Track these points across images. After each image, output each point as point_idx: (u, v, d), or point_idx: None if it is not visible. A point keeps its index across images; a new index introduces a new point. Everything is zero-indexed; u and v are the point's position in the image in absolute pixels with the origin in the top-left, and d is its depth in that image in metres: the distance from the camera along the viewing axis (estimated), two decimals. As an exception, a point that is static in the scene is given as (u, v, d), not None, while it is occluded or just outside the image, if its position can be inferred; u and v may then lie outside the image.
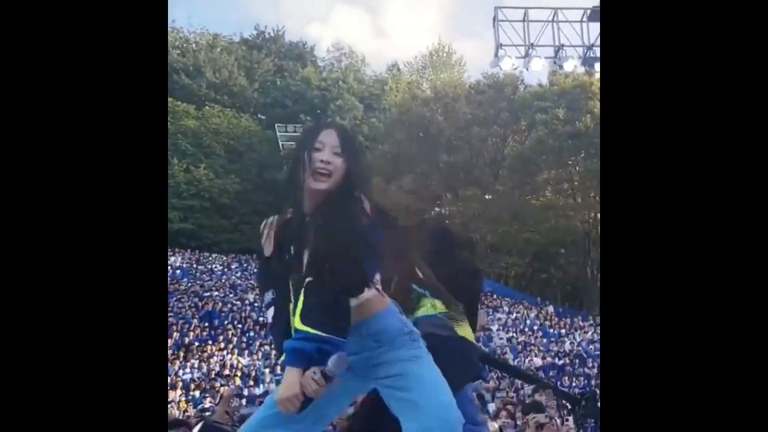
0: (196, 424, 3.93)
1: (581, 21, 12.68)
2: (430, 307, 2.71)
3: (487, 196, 26.79)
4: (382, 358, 1.70)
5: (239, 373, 13.77)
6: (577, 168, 25.60)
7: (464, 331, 2.75)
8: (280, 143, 31.83)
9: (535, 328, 19.94)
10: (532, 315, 21.23)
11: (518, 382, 11.45)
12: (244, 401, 10.68)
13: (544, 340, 18.70)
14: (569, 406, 4.07)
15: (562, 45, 12.61)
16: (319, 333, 1.53)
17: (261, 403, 6.01)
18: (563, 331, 19.94)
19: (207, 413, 7.69)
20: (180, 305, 18.24)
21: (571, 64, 12.60)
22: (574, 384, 14.49)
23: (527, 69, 13.39)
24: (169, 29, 36.70)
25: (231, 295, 20.52)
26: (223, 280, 22.65)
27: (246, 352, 15.48)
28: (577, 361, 16.84)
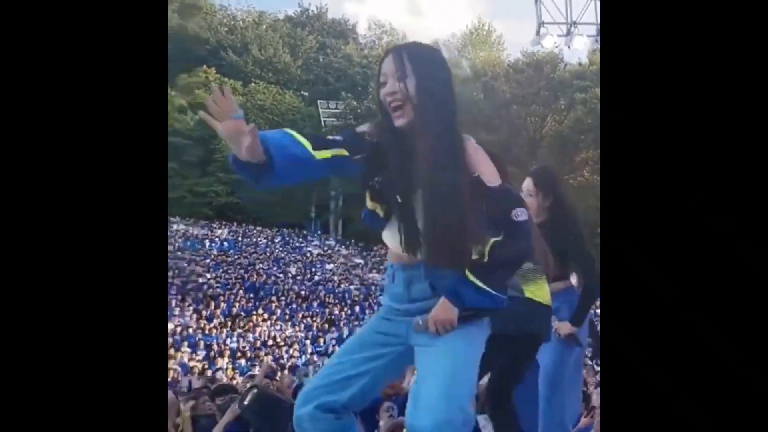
0: (243, 390, 4.10)
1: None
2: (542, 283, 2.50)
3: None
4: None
5: (282, 344, 14.40)
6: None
7: (536, 291, 2.49)
8: (322, 120, 32.24)
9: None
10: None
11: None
12: (286, 371, 11.25)
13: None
14: None
15: (606, 24, 12.45)
16: (486, 288, 1.52)
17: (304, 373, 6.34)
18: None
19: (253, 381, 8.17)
20: (227, 276, 18.98)
21: (614, 43, 12.43)
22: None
23: (569, 47, 13.27)
24: (217, 7, 37.55)
25: (274, 268, 21.21)
26: (267, 253, 23.34)
27: (289, 323, 16.13)
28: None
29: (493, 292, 1.53)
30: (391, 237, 1.63)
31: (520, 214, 1.55)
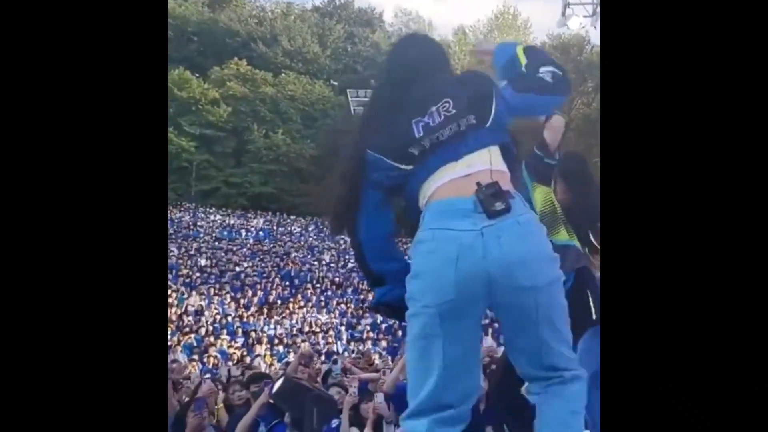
0: (278, 378, 4.20)
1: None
2: (566, 233, 2.36)
3: (554, 157, 26.31)
4: None
5: (318, 330, 14.72)
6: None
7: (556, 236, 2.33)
8: (352, 108, 32.31)
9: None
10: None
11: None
12: (323, 357, 11.53)
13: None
14: None
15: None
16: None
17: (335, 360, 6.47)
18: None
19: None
20: (263, 265, 19.37)
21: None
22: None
23: (595, 27, 13.15)
24: (246, -1, 37.87)
25: (309, 256, 21.55)
26: (302, 242, 23.72)
27: (324, 310, 16.45)
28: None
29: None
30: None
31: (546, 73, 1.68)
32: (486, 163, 1.55)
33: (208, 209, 27.06)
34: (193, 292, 15.68)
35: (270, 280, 17.89)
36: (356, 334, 14.83)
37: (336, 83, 34.58)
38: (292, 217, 27.62)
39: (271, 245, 22.41)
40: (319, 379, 5.34)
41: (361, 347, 13.16)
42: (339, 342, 14.16)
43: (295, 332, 14.49)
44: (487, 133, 1.59)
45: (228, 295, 16.15)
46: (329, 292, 17.82)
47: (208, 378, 6.60)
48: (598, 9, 12.36)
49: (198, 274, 17.26)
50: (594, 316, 2.26)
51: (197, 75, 30.93)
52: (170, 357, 8.42)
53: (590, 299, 2.27)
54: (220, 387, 4.83)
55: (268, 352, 12.55)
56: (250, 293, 16.50)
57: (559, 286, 1.53)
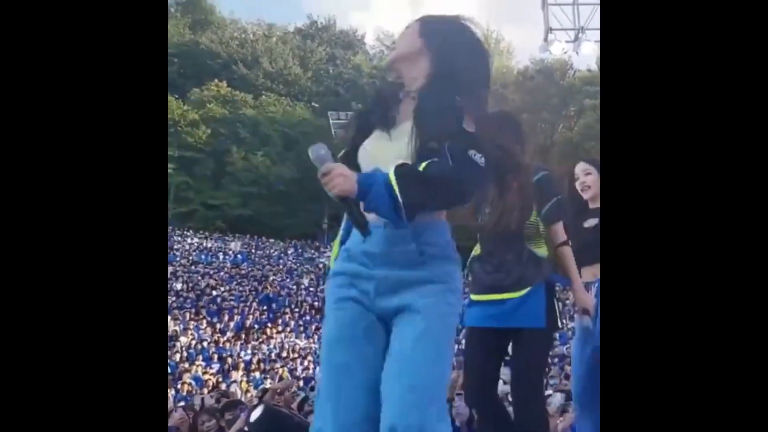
0: (254, 404, 4.13)
1: (632, 4, 12.48)
2: (545, 248, 2.37)
3: (536, 182, 26.67)
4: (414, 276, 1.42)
5: (296, 356, 14.42)
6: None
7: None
8: (333, 130, 32.37)
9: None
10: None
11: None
12: (301, 383, 11.26)
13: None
14: None
15: (613, 29, 12.46)
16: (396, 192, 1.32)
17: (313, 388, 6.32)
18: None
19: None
20: (240, 289, 19.09)
21: (622, 49, 12.43)
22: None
23: (577, 53, 13.31)
24: (228, 21, 37.99)
25: (287, 280, 21.29)
26: (280, 265, 23.46)
27: (303, 335, 16.16)
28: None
29: (400, 202, 1.31)
30: None
31: (475, 155, 1.41)
32: None
33: (185, 232, 26.64)
34: (168, 317, 15.28)
35: (247, 304, 17.61)
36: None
37: (317, 105, 34.63)
38: (271, 240, 27.35)
39: (249, 269, 22.11)
40: (294, 406, 5.12)
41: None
42: (318, 367, 13.86)
43: (273, 357, 14.18)
44: None
45: (204, 320, 15.79)
46: (308, 317, 17.55)
47: (181, 406, 6.31)
48: (580, 35, 12.51)
49: (174, 299, 16.84)
50: (559, 323, 2.44)
51: (176, 96, 30.70)
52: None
53: (556, 305, 2.41)
54: (191, 415, 4.58)
55: (244, 379, 12.23)
56: (226, 317, 16.15)
57: None
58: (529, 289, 2.28)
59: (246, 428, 3.48)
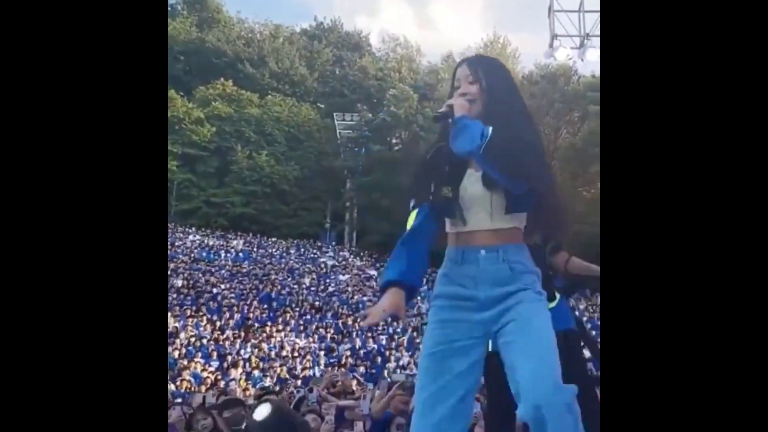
0: (254, 402, 4.03)
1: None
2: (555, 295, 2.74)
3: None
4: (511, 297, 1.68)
5: (296, 355, 14.41)
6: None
7: None
8: (338, 131, 32.43)
9: (584, 319, 19.80)
10: (582, 307, 21.08)
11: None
12: (299, 382, 11.25)
13: (593, 332, 18.57)
14: None
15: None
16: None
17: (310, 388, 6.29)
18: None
19: (267, 391, 8.19)
20: (242, 287, 19.05)
21: (627, 56, 12.44)
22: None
23: (582, 59, 13.31)
24: (235, 20, 38.06)
25: (289, 279, 21.27)
26: (282, 264, 23.44)
27: (303, 334, 16.14)
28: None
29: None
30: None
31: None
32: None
33: (187, 229, 26.67)
34: (168, 314, 15.29)
35: (248, 302, 17.57)
36: (333, 359, 14.54)
37: (322, 106, 34.67)
38: (273, 239, 27.34)
39: (251, 267, 22.09)
40: (290, 405, 5.14)
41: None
42: (317, 367, 13.86)
43: (273, 356, 14.17)
44: None
45: (204, 317, 15.80)
46: (308, 316, 17.54)
47: (179, 403, 6.32)
48: (586, 41, 12.52)
49: (174, 296, 16.86)
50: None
51: (182, 94, 30.76)
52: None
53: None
54: (190, 412, 4.59)
55: (243, 377, 12.23)
56: (227, 315, 16.15)
57: None
58: (559, 297, 2.80)
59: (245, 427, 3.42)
